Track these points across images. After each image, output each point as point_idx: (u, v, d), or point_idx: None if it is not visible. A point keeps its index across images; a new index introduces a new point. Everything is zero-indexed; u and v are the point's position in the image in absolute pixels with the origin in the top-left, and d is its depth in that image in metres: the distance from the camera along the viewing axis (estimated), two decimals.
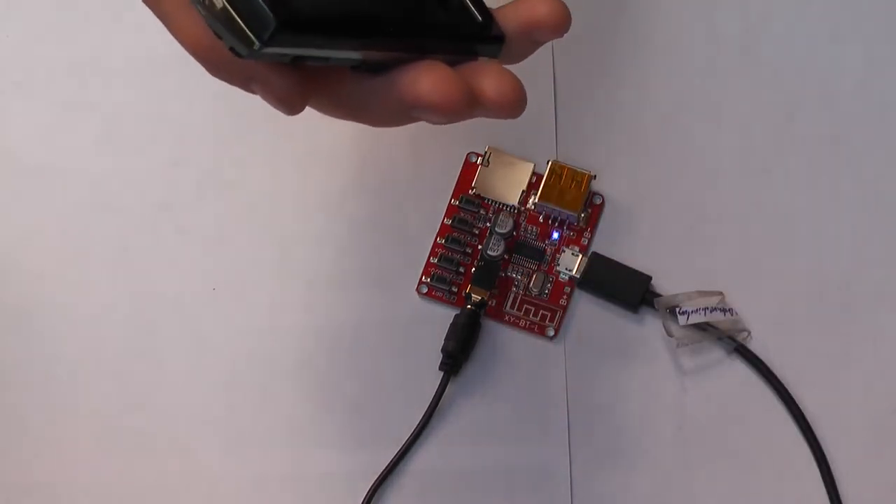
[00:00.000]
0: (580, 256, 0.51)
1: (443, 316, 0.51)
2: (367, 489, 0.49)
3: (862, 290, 0.50)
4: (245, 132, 0.52)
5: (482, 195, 0.51)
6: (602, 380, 0.50)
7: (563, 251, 0.51)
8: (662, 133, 0.52)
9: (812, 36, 0.53)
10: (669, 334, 0.49)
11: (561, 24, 0.37)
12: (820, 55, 0.52)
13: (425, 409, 0.50)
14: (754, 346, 0.50)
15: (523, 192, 0.51)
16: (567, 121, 0.52)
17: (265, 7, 0.31)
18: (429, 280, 0.51)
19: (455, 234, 0.51)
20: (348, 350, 0.51)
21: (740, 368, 0.50)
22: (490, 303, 0.51)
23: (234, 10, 0.31)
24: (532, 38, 0.38)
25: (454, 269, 0.51)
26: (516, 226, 0.51)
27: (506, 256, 0.51)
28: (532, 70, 0.39)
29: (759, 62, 0.52)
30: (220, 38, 0.32)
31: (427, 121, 0.36)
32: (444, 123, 0.35)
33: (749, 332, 0.50)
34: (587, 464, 0.50)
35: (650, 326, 0.51)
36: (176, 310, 0.51)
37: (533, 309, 0.51)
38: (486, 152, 0.52)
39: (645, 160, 0.52)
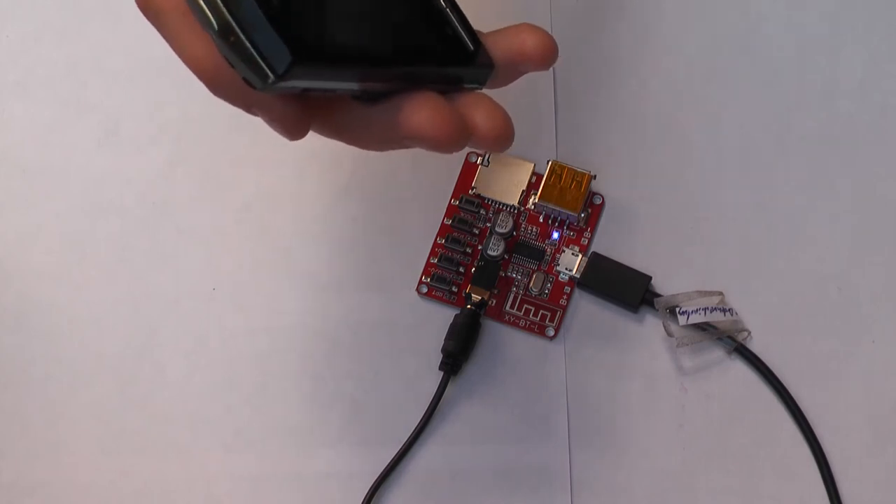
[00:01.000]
0: (580, 256, 0.51)
1: (443, 316, 0.51)
2: (367, 489, 0.49)
3: (862, 290, 0.50)
4: (245, 132, 0.52)
5: (482, 195, 0.51)
6: (602, 380, 0.50)
7: (563, 251, 0.51)
8: (662, 133, 0.52)
9: (812, 36, 0.53)
10: (669, 334, 0.49)
11: (548, 57, 0.38)
12: (820, 55, 0.52)
13: (425, 409, 0.50)
14: (754, 346, 0.50)
15: (523, 192, 0.51)
16: (567, 121, 0.52)
17: (281, 41, 0.31)
18: (429, 280, 0.51)
19: (455, 234, 0.51)
20: (348, 350, 0.51)
21: (740, 368, 0.50)
22: (490, 303, 0.51)
23: (249, 43, 0.32)
24: (518, 69, 0.38)
25: (454, 269, 0.51)
26: (516, 226, 0.51)
27: (506, 256, 0.51)
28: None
29: (759, 62, 0.52)
30: (233, 67, 0.33)
31: (420, 148, 0.36)
32: (436, 152, 0.36)
33: (749, 332, 0.50)
34: (587, 464, 0.50)
35: (650, 326, 0.51)
36: (175, 310, 0.51)
37: (533, 309, 0.51)
38: (486, 152, 0.52)
39: (645, 160, 0.52)
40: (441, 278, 0.51)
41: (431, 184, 0.52)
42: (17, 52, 0.54)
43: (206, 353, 0.51)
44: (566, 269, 0.51)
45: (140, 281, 0.52)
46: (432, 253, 0.51)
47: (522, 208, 0.51)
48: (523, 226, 0.51)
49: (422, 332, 0.51)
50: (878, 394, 0.50)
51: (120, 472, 0.50)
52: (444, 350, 0.50)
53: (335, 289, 0.51)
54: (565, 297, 0.51)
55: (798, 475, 0.49)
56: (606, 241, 0.51)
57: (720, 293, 0.50)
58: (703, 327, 0.49)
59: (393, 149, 0.38)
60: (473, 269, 0.51)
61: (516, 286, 0.51)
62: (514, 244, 0.51)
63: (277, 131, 0.36)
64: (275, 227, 0.52)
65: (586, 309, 0.51)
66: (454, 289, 0.51)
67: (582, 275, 0.50)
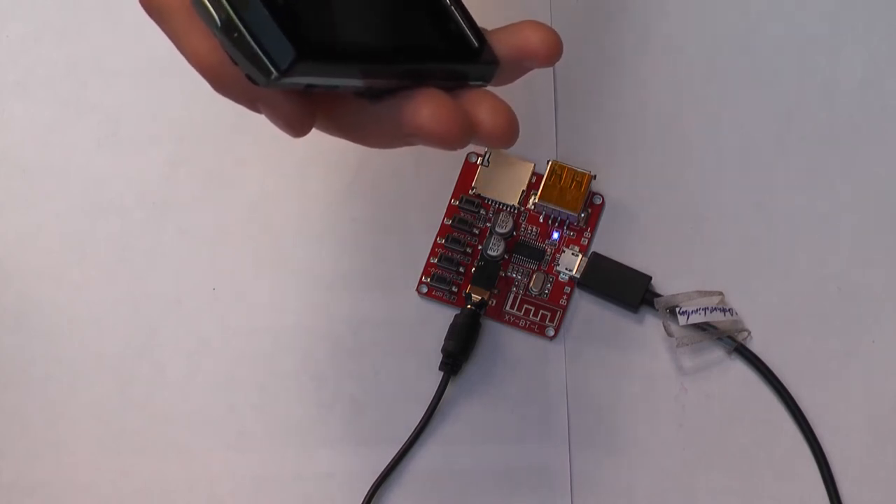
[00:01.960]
0: (580, 256, 0.51)
1: (443, 316, 0.51)
2: (367, 489, 0.49)
3: (862, 290, 0.50)
4: (245, 132, 0.52)
5: (482, 195, 0.51)
6: (602, 380, 0.50)
7: (563, 251, 0.51)
8: (662, 133, 0.52)
9: (812, 36, 0.53)
10: (669, 334, 0.49)
11: (553, 53, 0.38)
12: (820, 55, 0.52)
13: (425, 409, 0.50)
14: (754, 346, 0.50)
15: (523, 192, 0.51)
16: (567, 121, 0.52)
17: (284, 37, 0.31)
18: (429, 280, 0.51)
19: (455, 234, 0.51)
20: (348, 350, 0.51)
21: (740, 368, 0.50)
22: (490, 303, 0.51)
23: (253, 39, 0.32)
24: (522, 66, 0.38)
25: (454, 269, 0.51)
26: (516, 226, 0.51)
27: (506, 256, 0.51)
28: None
29: (759, 62, 0.52)
30: (236, 64, 0.33)
31: (424, 145, 0.36)
32: (441, 149, 0.36)
33: (749, 332, 0.50)
34: (587, 464, 0.50)
35: (650, 326, 0.51)
36: (176, 310, 0.51)
37: (533, 309, 0.51)
38: (486, 152, 0.52)
39: (645, 160, 0.52)
40: (441, 278, 0.51)
41: (431, 184, 0.52)
42: (17, 52, 0.54)
43: (207, 353, 0.51)
44: (566, 269, 0.51)
45: (140, 281, 0.52)
46: (432, 253, 0.51)
47: (522, 208, 0.51)
48: (523, 226, 0.51)
49: (422, 332, 0.51)
50: (878, 394, 0.50)
51: (120, 472, 0.50)
52: (444, 350, 0.50)
53: (335, 289, 0.51)
54: (565, 297, 0.51)
55: (798, 475, 0.49)
56: (606, 241, 0.51)
57: (720, 293, 0.50)
58: (703, 327, 0.49)
59: (397, 146, 0.38)
60: (473, 269, 0.51)
61: (516, 286, 0.51)
62: (514, 244, 0.51)
63: (281, 128, 0.36)
64: (275, 227, 0.52)
65: (586, 309, 0.51)
66: (454, 289, 0.51)
67: (582, 275, 0.50)
